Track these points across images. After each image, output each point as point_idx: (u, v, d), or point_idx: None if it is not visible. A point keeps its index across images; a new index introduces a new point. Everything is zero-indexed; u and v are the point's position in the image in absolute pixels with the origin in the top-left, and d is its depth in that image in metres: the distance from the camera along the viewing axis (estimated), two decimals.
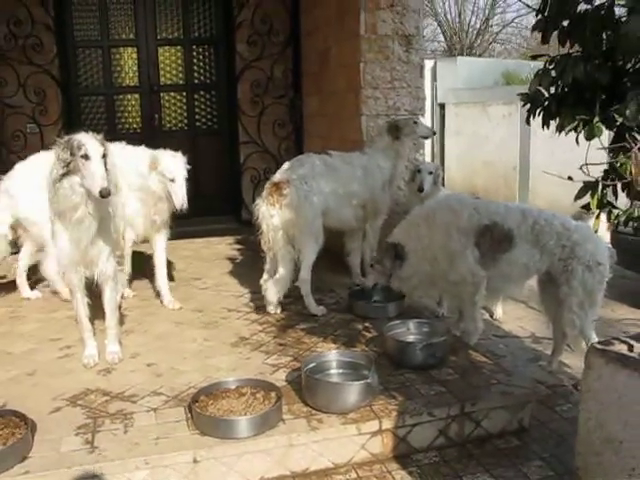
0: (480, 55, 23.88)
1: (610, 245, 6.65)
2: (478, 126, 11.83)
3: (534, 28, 2.31)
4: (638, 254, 6.38)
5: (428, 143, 11.82)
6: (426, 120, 11.82)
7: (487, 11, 24.56)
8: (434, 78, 13.15)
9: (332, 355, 3.76)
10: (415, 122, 5.22)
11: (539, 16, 2.29)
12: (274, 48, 7.62)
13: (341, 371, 3.66)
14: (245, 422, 3.12)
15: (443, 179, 12.90)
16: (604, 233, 3.28)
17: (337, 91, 6.13)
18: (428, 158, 12.59)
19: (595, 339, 4.25)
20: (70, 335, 4.46)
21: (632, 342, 2.84)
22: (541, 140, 9.95)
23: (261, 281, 4.89)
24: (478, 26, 25.15)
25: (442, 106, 12.99)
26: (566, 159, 5.30)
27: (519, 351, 5.01)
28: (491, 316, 5.67)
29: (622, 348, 2.80)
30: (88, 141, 3.59)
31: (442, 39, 26.43)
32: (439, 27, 26.03)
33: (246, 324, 4.69)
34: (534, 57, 2.54)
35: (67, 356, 4.16)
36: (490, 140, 11.52)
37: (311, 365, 3.57)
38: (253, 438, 3.11)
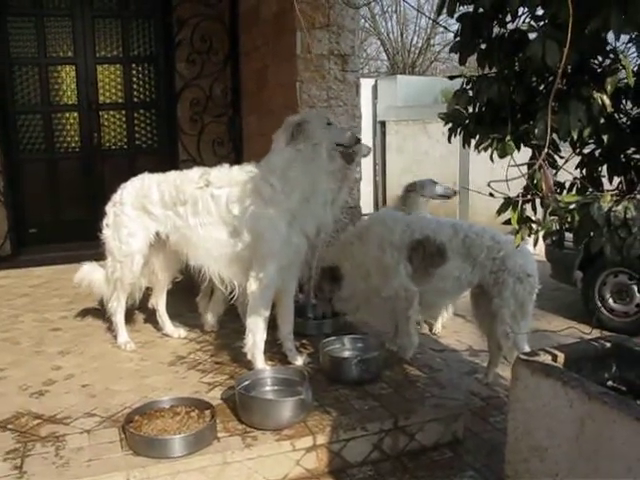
0: (422, 73, 24.26)
1: (545, 259, 6.87)
2: (418, 143, 12.05)
3: (451, 50, 2.39)
4: (571, 267, 6.57)
5: (369, 159, 11.98)
6: (366, 137, 12.02)
7: (428, 30, 24.99)
8: (375, 96, 13.33)
9: (266, 372, 3.78)
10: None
11: (456, 38, 2.37)
12: (213, 67, 7.61)
13: (275, 388, 3.68)
14: (179, 441, 3.11)
15: (384, 194, 13.14)
16: (531, 247, 3.37)
17: (275, 110, 6.17)
18: (370, 174, 12.75)
19: (527, 349, 4.37)
20: (3, 358, 4.39)
21: (556, 352, 2.94)
22: (480, 157, 10.13)
23: (197, 299, 4.88)
24: (420, 45, 25.55)
25: (383, 124, 13.17)
26: (504, 174, 5.44)
27: (456, 364, 5.10)
28: (430, 330, 5.76)
29: (547, 359, 2.89)
30: None
31: (385, 57, 26.77)
32: (382, 46, 26.37)
33: (183, 343, 4.67)
34: (451, 77, 2.61)
35: None
36: (430, 156, 11.74)
37: (245, 382, 3.58)
38: (187, 457, 3.10)
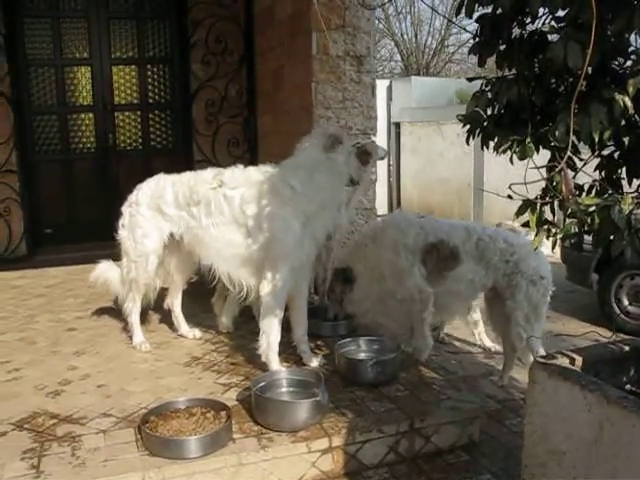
0: (437, 74, 24.21)
1: (560, 261, 6.83)
2: (433, 144, 12.02)
3: (470, 51, 2.38)
4: (587, 269, 6.52)
5: (384, 161, 11.95)
6: (381, 139, 12.01)
7: (443, 32, 24.94)
8: (389, 97, 13.32)
9: (282, 373, 3.77)
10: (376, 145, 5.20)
11: (475, 39, 2.35)
12: (228, 68, 7.64)
13: (291, 389, 3.66)
14: (194, 442, 3.11)
15: (399, 195, 13.13)
16: (548, 249, 3.34)
17: (290, 110, 6.18)
18: (384, 176, 12.73)
19: (542, 352, 4.35)
20: (19, 358, 4.40)
21: (574, 355, 2.91)
22: (495, 158, 10.11)
23: (213, 300, 4.88)
24: (434, 46, 25.50)
25: (397, 125, 13.15)
26: (519, 175, 5.41)
27: (471, 366, 5.07)
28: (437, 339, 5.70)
29: (564, 362, 2.86)
30: None
31: (399, 59, 26.75)
32: (396, 47, 26.35)
33: (198, 344, 4.68)
34: (470, 79, 2.60)
35: (15, 379, 4.09)
36: (445, 158, 11.71)
37: (261, 384, 3.57)
38: (203, 458, 3.10)
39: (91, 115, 8.06)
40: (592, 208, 2.04)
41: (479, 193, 11.18)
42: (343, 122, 5.58)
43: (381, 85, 13.25)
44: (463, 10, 2.37)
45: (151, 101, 8.26)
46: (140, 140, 8.30)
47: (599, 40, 1.74)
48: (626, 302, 6.34)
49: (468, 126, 2.54)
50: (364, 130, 5.64)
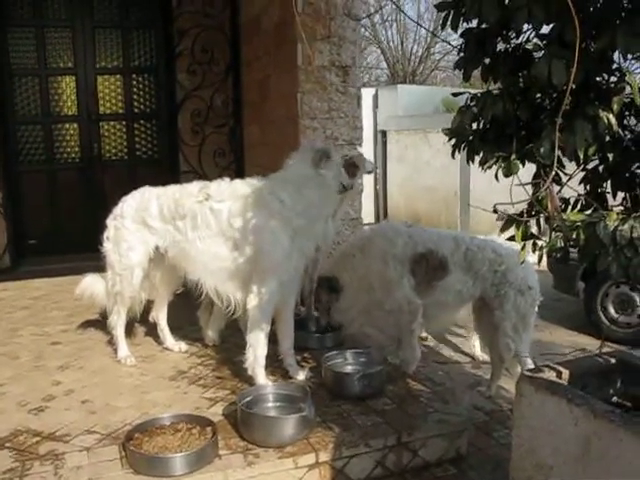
0: (423, 82, 24.28)
1: (547, 270, 6.84)
2: (419, 152, 12.04)
3: (455, 66, 2.37)
4: (573, 278, 6.54)
5: None
6: (367, 147, 12.00)
7: (428, 39, 25.02)
8: (375, 106, 13.33)
9: (268, 388, 3.74)
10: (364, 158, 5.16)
11: (460, 54, 2.35)
12: (214, 77, 7.60)
13: (278, 404, 3.63)
14: (180, 459, 3.07)
15: (385, 204, 13.12)
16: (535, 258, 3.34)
17: (276, 121, 6.16)
18: (371, 185, 12.74)
19: (530, 362, 4.35)
20: (2, 373, 4.35)
21: (561, 369, 2.90)
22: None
23: (198, 312, 4.84)
24: (420, 54, 25.59)
25: (384, 133, 13.16)
26: (506, 185, 5.42)
27: (459, 377, 5.07)
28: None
29: (551, 375, 2.86)
30: None
31: (385, 66, 26.82)
32: (382, 54, 26.42)
33: (184, 357, 4.64)
34: (455, 95, 2.59)
35: None
36: (431, 166, 11.72)
37: (247, 399, 3.54)
38: (188, 475, 3.06)
39: (76, 125, 7.99)
40: (578, 224, 2.03)
41: (466, 201, 11.20)
42: (329, 132, 5.57)
43: (367, 93, 13.25)
44: (448, 24, 2.36)
45: (136, 111, 8.21)
46: (125, 150, 8.24)
47: (583, 57, 1.73)
48: (612, 310, 6.36)
49: (454, 140, 2.53)
50: (350, 140, 5.62)
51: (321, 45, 5.54)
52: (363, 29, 24.78)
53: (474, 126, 2.41)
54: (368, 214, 12.48)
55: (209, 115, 7.68)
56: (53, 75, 7.84)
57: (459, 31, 2.37)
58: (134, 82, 8.15)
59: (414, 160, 12.34)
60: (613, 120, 1.97)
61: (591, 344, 6.11)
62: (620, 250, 1.92)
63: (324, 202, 3.93)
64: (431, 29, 22.87)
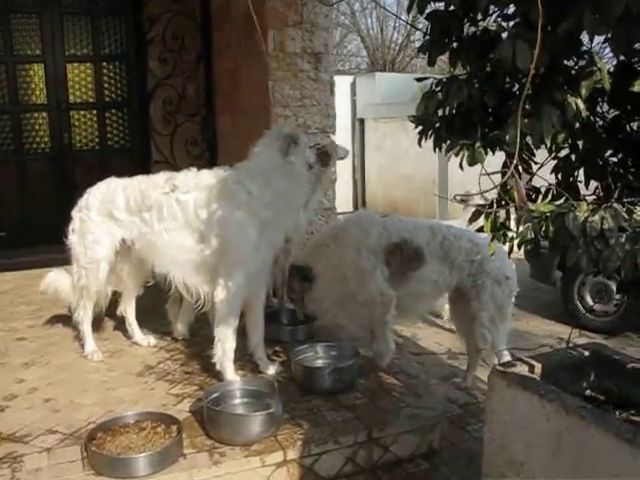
0: (403, 70, 24.15)
1: (524, 259, 6.79)
2: (397, 141, 11.93)
3: (419, 50, 2.27)
4: (550, 267, 6.49)
5: (348, 157, 11.82)
6: (345, 135, 11.90)
7: (408, 27, 24.85)
8: (354, 94, 13.21)
9: (235, 384, 3.65)
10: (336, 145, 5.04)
11: (426, 37, 2.24)
12: (186, 65, 7.44)
13: (245, 400, 3.55)
14: (142, 460, 2.98)
15: (364, 192, 13.03)
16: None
17: (248, 110, 6.04)
18: (349, 173, 12.64)
19: (507, 354, 4.30)
20: None
21: (533, 362, 2.84)
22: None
23: (167, 306, 4.73)
24: (400, 41, 25.44)
25: (362, 121, 13.05)
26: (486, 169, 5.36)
27: (434, 368, 5.00)
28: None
29: (523, 369, 2.79)
30: None
31: (365, 54, 26.64)
32: (362, 42, 26.24)
33: (153, 352, 4.53)
34: (419, 79, 2.49)
35: None
36: (409, 154, 11.62)
37: (214, 395, 3.45)
38: (152, 476, 2.98)
39: (45, 114, 7.80)
40: (547, 215, 1.94)
41: (444, 189, 11.12)
42: (301, 121, 5.47)
43: (345, 81, 13.15)
44: (415, 7, 2.26)
45: (107, 99, 8.03)
46: (97, 140, 8.06)
47: (550, 39, 1.64)
48: (589, 299, 6.32)
49: (420, 127, 2.43)
50: (323, 129, 5.53)
51: (293, 32, 5.43)
52: (343, 17, 24.69)
53: (440, 113, 2.30)
54: (346, 203, 12.44)
55: (181, 104, 7.52)
56: (21, 63, 7.62)
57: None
58: (104, 70, 7.97)
59: (392, 148, 12.24)
60: (582, 105, 1.88)
61: (568, 333, 6.09)
62: (590, 242, 1.84)
63: (294, 192, 3.84)
64: (411, 15, 22.77)
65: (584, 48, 1.97)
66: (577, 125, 1.96)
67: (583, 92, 1.87)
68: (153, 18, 7.37)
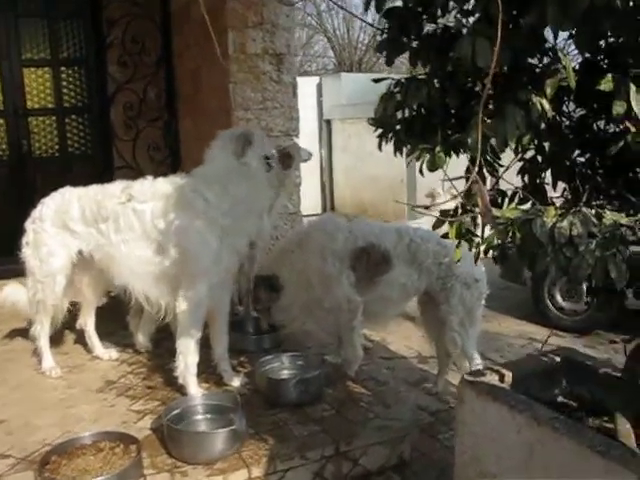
0: (369, 70, 24.12)
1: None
2: (364, 141, 11.83)
3: (377, 49, 2.15)
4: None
5: (315, 159, 11.72)
6: (311, 137, 11.79)
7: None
8: (320, 95, 13.10)
9: (197, 399, 3.51)
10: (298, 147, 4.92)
11: (383, 36, 2.13)
12: (147, 69, 7.25)
13: (208, 416, 3.42)
14: None
15: (332, 195, 12.94)
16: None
17: (210, 113, 5.90)
18: (317, 174, 12.55)
19: (477, 357, 4.22)
20: None
21: (503, 371, 2.75)
22: None
23: (128, 317, 4.58)
24: (367, 42, 25.42)
25: (329, 122, 12.95)
26: (452, 172, 5.29)
27: (403, 372, 4.90)
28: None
29: (493, 379, 2.70)
30: None
31: (332, 55, 26.59)
32: (329, 43, 26.19)
33: (114, 365, 4.38)
34: (376, 81, 2.38)
35: None
36: (376, 155, 11.50)
37: (175, 412, 3.32)
38: None
39: (1, 120, 7.56)
40: (512, 221, 1.84)
41: (412, 188, 11.06)
42: (264, 124, 5.34)
43: (311, 82, 13.05)
44: (372, 5, 2.15)
45: (67, 105, 7.81)
46: (57, 147, 7.82)
47: (512, 36, 1.54)
48: (560, 298, 6.29)
49: (380, 130, 2.32)
50: (286, 131, 5.41)
51: (253, 33, 5.31)
52: (309, 17, 24.63)
53: (400, 115, 2.19)
54: (314, 205, 12.34)
55: (142, 108, 7.32)
56: None
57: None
58: (63, 75, 7.73)
59: (358, 149, 12.15)
60: (547, 105, 1.78)
61: (539, 333, 6.06)
62: (559, 249, 1.74)
63: (254, 196, 3.71)
64: (378, 16, 22.69)
65: (548, 45, 1.88)
66: (542, 126, 1.86)
67: (548, 91, 1.77)
68: (112, 21, 7.17)
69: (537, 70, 1.92)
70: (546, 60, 1.93)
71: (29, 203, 6.49)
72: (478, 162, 1.67)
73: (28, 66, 7.59)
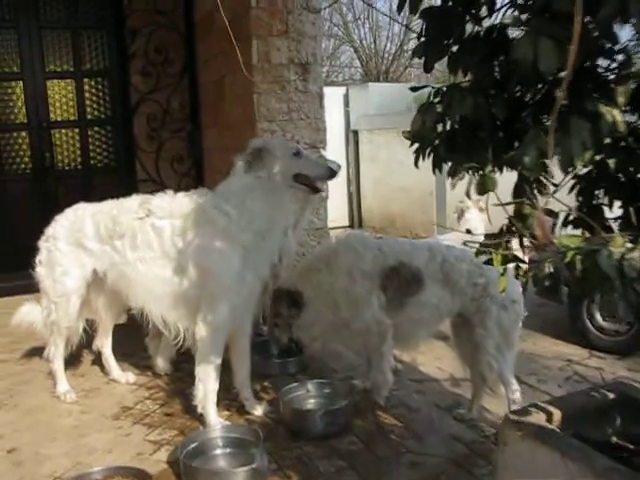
0: (397, 79, 23.92)
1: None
2: (393, 152, 11.59)
3: (413, 54, 1.91)
4: (557, 283, 6.14)
5: (342, 170, 11.47)
6: (339, 148, 11.57)
7: (402, 36, 24.60)
8: (346, 105, 12.88)
9: (216, 432, 3.28)
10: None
11: (421, 39, 1.89)
12: (170, 79, 7.13)
13: (227, 450, 3.19)
14: None
15: (359, 206, 12.69)
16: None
17: (234, 124, 5.71)
18: (344, 185, 12.33)
19: (514, 383, 3.97)
20: None
21: (551, 409, 2.48)
22: None
23: (147, 339, 4.38)
24: (393, 51, 25.22)
25: (356, 133, 12.72)
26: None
27: (436, 397, 4.62)
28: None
29: (540, 418, 2.43)
30: None
31: (359, 65, 26.42)
32: (355, 53, 26.05)
33: (131, 390, 4.19)
34: (414, 89, 2.14)
35: None
36: (405, 166, 11.26)
37: (192, 445, 3.10)
38: None
39: (25, 133, 7.46)
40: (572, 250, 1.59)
41: (442, 201, 10.78)
42: (289, 135, 5.12)
43: (338, 93, 12.84)
44: (406, 6, 1.92)
45: (90, 117, 7.70)
46: (79, 159, 7.73)
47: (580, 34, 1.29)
48: (599, 317, 5.97)
49: (417, 145, 2.08)
50: (313, 144, 5.18)
51: (278, 41, 5.10)
52: (336, 28, 24.49)
53: (440, 128, 1.95)
54: (342, 217, 12.10)
55: (165, 119, 7.20)
56: None
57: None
58: (86, 86, 7.65)
59: (387, 160, 11.89)
60: (619, 117, 1.52)
61: (577, 354, 5.75)
62: (629, 284, 1.49)
63: (275, 212, 3.48)
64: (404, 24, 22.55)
65: (618, 46, 1.62)
66: (607, 140, 1.61)
67: (620, 100, 1.52)
68: (135, 31, 7.09)
69: (604, 75, 1.67)
70: (614, 63, 1.67)
71: (51, 216, 6.43)
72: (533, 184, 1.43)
73: (51, 78, 7.51)
